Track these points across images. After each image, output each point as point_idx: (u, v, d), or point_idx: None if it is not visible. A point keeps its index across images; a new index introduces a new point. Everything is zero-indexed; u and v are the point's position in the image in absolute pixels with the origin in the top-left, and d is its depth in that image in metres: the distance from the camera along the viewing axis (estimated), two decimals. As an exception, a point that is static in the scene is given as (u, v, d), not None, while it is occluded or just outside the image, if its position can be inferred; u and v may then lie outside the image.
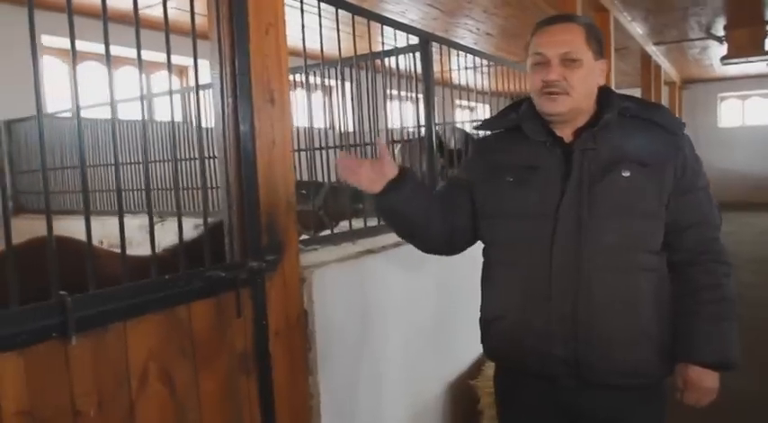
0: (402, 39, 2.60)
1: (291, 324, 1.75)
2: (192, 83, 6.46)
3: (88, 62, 5.48)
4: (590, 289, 1.38)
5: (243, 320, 1.60)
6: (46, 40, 4.88)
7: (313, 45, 2.01)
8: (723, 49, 8.13)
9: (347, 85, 2.43)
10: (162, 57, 1.46)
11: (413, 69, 2.79)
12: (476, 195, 1.56)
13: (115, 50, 1.36)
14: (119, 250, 1.41)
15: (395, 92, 3.01)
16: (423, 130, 2.85)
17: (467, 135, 3.60)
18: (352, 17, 2.17)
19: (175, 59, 1.52)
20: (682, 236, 1.43)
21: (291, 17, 1.81)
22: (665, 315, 1.43)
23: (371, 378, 2.14)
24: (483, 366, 2.80)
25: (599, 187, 1.38)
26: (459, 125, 4.09)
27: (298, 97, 2.73)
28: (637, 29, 7.44)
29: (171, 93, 1.58)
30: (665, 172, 1.39)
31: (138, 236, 3.10)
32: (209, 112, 2.03)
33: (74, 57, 1.28)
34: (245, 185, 1.60)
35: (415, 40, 2.72)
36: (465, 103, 7.97)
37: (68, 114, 4.78)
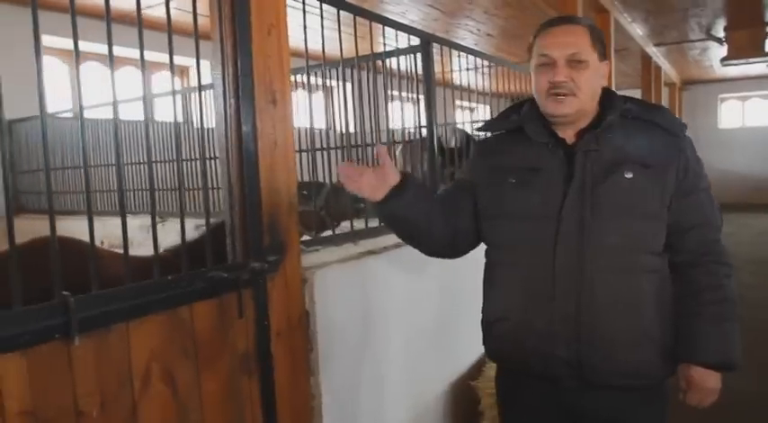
0: (403, 39, 2.60)
1: (293, 325, 1.75)
2: (191, 83, 6.47)
3: (89, 62, 5.48)
4: (593, 290, 1.38)
5: (245, 321, 1.60)
6: (46, 40, 4.88)
7: (314, 46, 2.01)
8: (723, 51, 8.14)
9: (348, 85, 2.43)
10: (162, 57, 1.47)
11: (414, 70, 2.79)
12: (478, 197, 1.56)
13: (115, 51, 1.36)
14: (119, 250, 1.41)
15: (396, 93, 3.01)
16: (423, 130, 2.85)
17: (466, 135, 3.60)
18: (354, 18, 2.18)
19: (176, 60, 1.52)
20: (683, 237, 1.43)
21: (292, 18, 1.81)
22: (666, 316, 1.44)
23: (373, 379, 2.14)
24: (484, 367, 2.80)
25: (601, 189, 1.39)
26: (459, 126, 4.09)
27: (299, 98, 2.73)
28: (637, 30, 7.45)
29: (174, 93, 1.58)
30: (668, 173, 1.39)
31: (139, 236, 3.11)
32: (209, 113, 2.03)
33: (77, 58, 1.28)
34: (247, 186, 1.60)
35: (416, 41, 2.73)
36: (466, 103, 7.96)
37: (69, 114, 4.79)
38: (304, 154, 2.74)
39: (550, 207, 1.41)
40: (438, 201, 1.58)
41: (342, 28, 2.08)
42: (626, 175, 1.38)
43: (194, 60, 1.48)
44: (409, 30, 2.64)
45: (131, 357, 1.33)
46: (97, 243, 1.37)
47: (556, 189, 1.42)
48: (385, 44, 2.58)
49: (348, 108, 2.39)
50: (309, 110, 2.15)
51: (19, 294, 1.12)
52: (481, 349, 1.63)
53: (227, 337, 1.56)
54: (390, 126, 2.66)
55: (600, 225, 1.38)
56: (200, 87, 1.58)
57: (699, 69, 11.40)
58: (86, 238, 1.33)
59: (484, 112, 4.57)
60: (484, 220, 1.55)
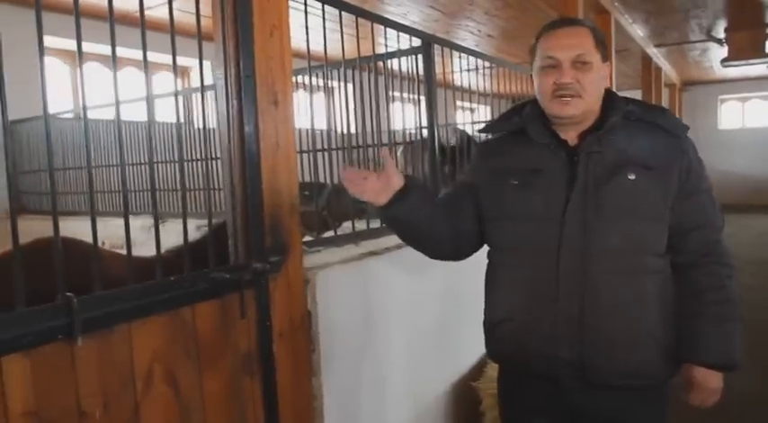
0: (404, 40, 2.60)
1: (295, 325, 1.75)
2: (192, 84, 6.47)
3: (89, 63, 5.49)
4: (596, 292, 1.38)
5: (247, 322, 1.60)
6: (47, 40, 4.86)
7: (316, 47, 2.01)
8: (723, 52, 8.15)
9: (350, 86, 2.43)
10: (162, 57, 1.47)
11: (415, 71, 2.79)
12: (480, 199, 1.56)
13: (117, 51, 1.36)
14: (120, 251, 1.41)
15: (397, 93, 3.01)
16: (425, 131, 2.85)
17: (465, 134, 3.60)
18: (356, 19, 2.18)
19: (177, 60, 1.52)
20: (685, 238, 1.44)
21: (293, 19, 1.81)
22: (669, 317, 1.44)
23: (374, 379, 2.14)
24: (485, 368, 2.80)
25: (604, 190, 1.39)
26: (459, 126, 4.09)
27: (300, 99, 2.73)
28: (637, 31, 7.45)
29: (176, 94, 1.58)
30: (670, 175, 1.40)
31: (140, 236, 3.11)
32: (209, 114, 2.04)
33: (80, 59, 1.28)
34: (249, 187, 1.61)
35: (417, 42, 2.73)
36: (467, 104, 7.98)
37: (70, 115, 4.80)
38: (305, 154, 2.75)
39: (553, 209, 1.41)
40: (441, 204, 1.58)
41: (343, 29, 2.08)
42: (629, 177, 1.38)
43: (194, 61, 1.48)
44: (411, 31, 2.64)
45: (134, 358, 1.33)
46: (98, 243, 1.37)
47: (558, 191, 1.42)
48: (387, 45, 2.58)
49: (349, 109, 2.39)
50: (311, 111, 2.16)
51: (22, 295, 1.12)
52: (482, 350, 1.63)
53: (229, 337, 1.56)
54: (391, 127, 2.66)
55: (603, 227, 1.38)
56: (203, 88, 1.58)
57: (699, 70, 11.40)
58: (88, 239, 1.34)
59: (485, 113, 4.57)
60: (486, 222, 1.55)
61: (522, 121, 1.53)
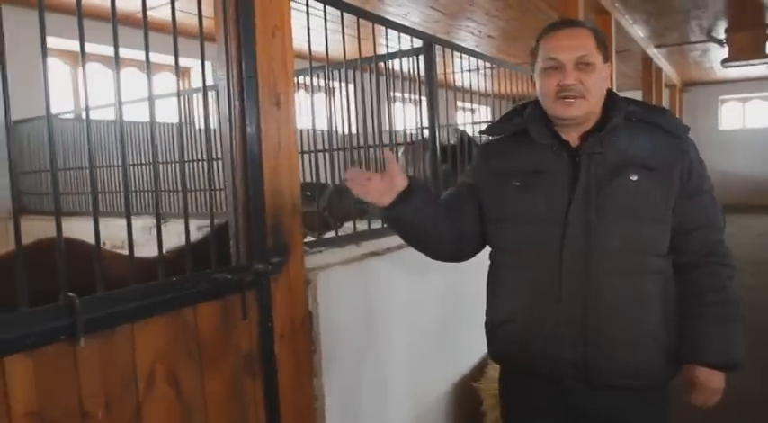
0: (405, 41, 2.60)
1: (296, 326, 1.75)
2: (192, 84, 6.47)
3: (90, 63, 5.50)
4: (599, 292, 1.39)
5: (248, 322, 1.60)
6: (48, 41, 4.89)
7: (317, 48, 2.01)
8: (724, 52, 8.16)
9: (351, 87, 2.44)
10: (162, 58, 1.47)
11: (416, 72, 2.80)
12: (482, 200, 1.56)
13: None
14: (121, 251, 1.42)
15: (398, 94, 3.02)
16: (426, 132, 2.85)
17: (465, 134, 3.59)
18: (357, 20, 2.18)
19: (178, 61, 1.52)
20: (687, 238, 1.44)
21: (295, 20, 1.81)
22: (670, 317, 1.45)
23: (375, 380, 2.14)
24: (485, 368, 2.80)
25: (607, 192, 1.39)
26: (460, 127, 4.09)
27: (301, 99, 2.74)
28: (638, 32, 7.46)
29: (179, 95, 1.58)
30: (672, 176, 1.40)
31: (141, 237, 3.11)
32: (210, 114, 2.03)
33: (83, 59, 1.28)
34: (251, 188, 1.61)
35: (418, 42, 2.73)
36: (468, 105, 7.98)
37: (70, 116, 4.80)
38: (306, 155, 2.75)
39: (556, 210, 1.41)
40: (443, 205, 1.58)
41: (345, 30, 2.08)
42: (631, 178, 1.38)
43: (194, 61, 1.48)
44: (412, 32, 2.64)
45: (136, 358, 1.33)
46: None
47: (561, 192, 1.42)
48: (388, 46, 2.59)
49: (351, 110, 2.40)
50: (312, 112, 2.16)
51: (25, 296, 1.12)
52: (483, 350, 1.64)
53: (230, 338, 1.56)
54: (393, 128, 2.66)
55: (606, 228, 1.38)
56: (205, 89, 1.59)
57: (699, 71, 11.41)
58: (89, 239, 1.34)
59: (486, 114, 4.57)
60: (488, 223, 1.55)
61: (523, 123, 1.53)
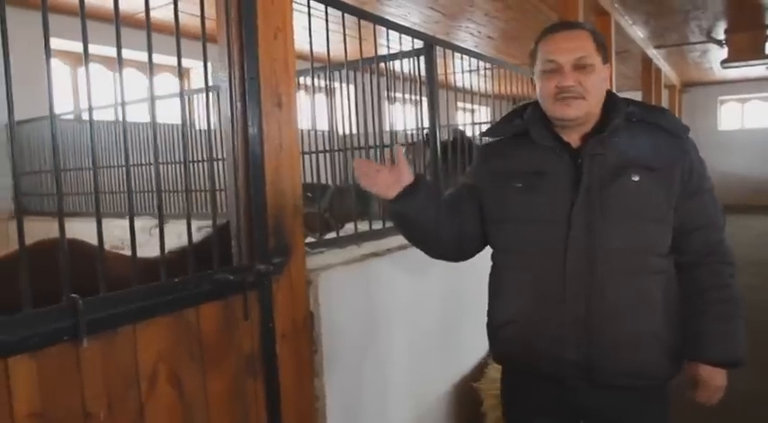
0: (405, 42, 2.61)
1: (298, 326, 1.75)
2: (192, 85, 6.47)
3: (91, 64, 5.50)
4: (603, 292, 1.39)
5: (250, 323, 1.60)
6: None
7: (318, 48, 2.02)
8: (723, 53, 8.17)
9: (352, 88, 2.44)
10: (162, 59, 1.47)
11: (416, 72, 2.80)
12: (483, 201, 1.57)
13: (115, 52, 1.37)
14: (121, 252, 1.42)
15: (399, 95, 3.02)
16: (426, 132, 2.86)
17: (462, 133, 3.59)
18: (358, 21, 2.18)
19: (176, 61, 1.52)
20: (689, 238, 1.44)
21: (296, 21, 1.81)
22: (673, 316, 1.45)
23: (376, 380, 2.15)
24: (486, 369, 2.81)
25: (609, 192, 1.39)
26: (460, 127, 4.09)
27: (302, 100, 2.74)
28: (638, 32, 7.46)
29: (182, 95, 1.58)
30: (673, 176, 1.40)
31: (141, 237, 3.11)
32: (205, 116, 2.04)
33: (86, 61, 1.28)
34: (252, 189, 1.61)
35: (419, 43, 2.73)
36: (468, 105, 7.99)
37: (70, 116, 4.80)
38: (307, 156, 2.75)
39: (558, 211, 1.42)
40: (444, 204, 1.59)
41: (346, 31, 2.09)
42: (632, 179, 1.39)
43: (195, 62, 1.48)
44: (413, 33, 2.65)
45: (138, 359, 1.33)
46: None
47: (563, 193, 1.42)
48: (389, 47, 2.59)
49: (352, 110, 2.40)
50: (313, 112, 2.16)
51: (29, 297, 1.13)
52: (484, 351, 1.64)
53: (232, 338, 1.57)
54: (393, 128, 2.67)
55: (608, 228, 1.39)
56: (208, 90, 1.59)
57: (699, 71, 11.42)
58: (89, 240, 1.34)
59: (487, 114, 4.57)
60: (490, 224, 1.56)
61: (524, 124, 1.53)
